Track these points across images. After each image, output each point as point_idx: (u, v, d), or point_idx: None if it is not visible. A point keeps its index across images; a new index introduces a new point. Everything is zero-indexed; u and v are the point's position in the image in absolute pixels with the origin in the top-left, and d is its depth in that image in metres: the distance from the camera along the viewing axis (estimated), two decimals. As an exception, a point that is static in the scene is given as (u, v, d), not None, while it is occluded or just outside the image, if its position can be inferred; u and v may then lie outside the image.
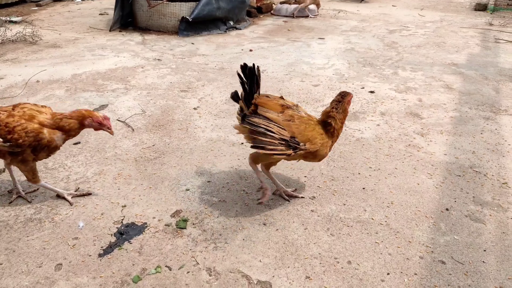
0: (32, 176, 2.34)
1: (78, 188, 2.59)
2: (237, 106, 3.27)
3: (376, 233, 2.24)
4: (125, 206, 2.43)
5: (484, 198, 2.55)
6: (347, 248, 2.13)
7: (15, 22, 7.26)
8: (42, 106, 2.34)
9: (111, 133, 2.32)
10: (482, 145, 3.19)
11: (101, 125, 2.30)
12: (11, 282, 1.90)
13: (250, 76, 2.35)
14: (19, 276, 1.93)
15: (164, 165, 2.85)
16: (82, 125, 2.29)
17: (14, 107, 2.26)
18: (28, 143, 2.16)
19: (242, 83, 2.37)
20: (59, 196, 2.48)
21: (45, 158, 2.33)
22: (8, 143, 2.14)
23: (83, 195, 2.51)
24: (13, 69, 4.82)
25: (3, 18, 7.20)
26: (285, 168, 2.85)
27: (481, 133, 3.38)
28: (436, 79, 4.67)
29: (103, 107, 3.82)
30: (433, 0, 11.01)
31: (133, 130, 3.38)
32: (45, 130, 2.20)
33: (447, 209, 2.43)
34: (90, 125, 2.30)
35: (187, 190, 2.58)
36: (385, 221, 2.33)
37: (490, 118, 3.67)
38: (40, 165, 2.84)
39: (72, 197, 2.48)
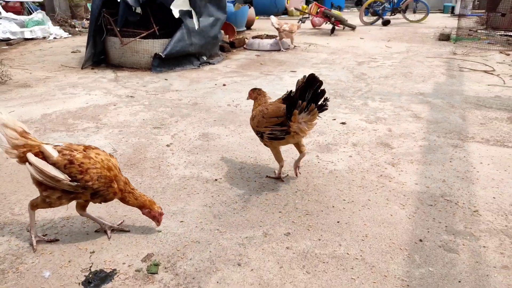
0: (41, 206, 2.35)
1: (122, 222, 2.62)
2: (211, 142, 3.23)
3: (352, 268, 2.22)
4: (93, 252, 2.34)
5: (457, 227, 2.58)
6: (323, 286, 2.09)
7: (-16, 62, 7.14)
8: (110, 155, 2.41)
9: (158, 225, 2.47)
10: (452, 173, 3.26)
11: (154, 218, 2.42)
12: None
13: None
14: (-23, 335, 1.81)
15: (134, 208, 2.77)
16: (139, 208, 2.44)
17: (86, 148, 2.30)
18: (96, 187, 2.21)
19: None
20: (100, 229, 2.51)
21: (97, 203, 2.39)
22: (76, 183, 2.16)
23: (122, 230, 2.54)
24: (-20, 110, 4.69)
25: (-29, 58, 7.07)
26: (259, 204, 2.82)
27: (450, 161, 3.46)
28: (404, 108, 4.81)
29: (73, 147, 3.73)
30: (399, 32, 11.52)
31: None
32: (115, 185, 2.30)
33: (420, 240, 2.44)
34: (145, 213, 2.43)
35: (159, 232, 2.52)
36: (360, 255, 2.31)
37: (458, 145, 3.78)
38: (6, 210, 2.73)
39: (111, 231, 2.51)
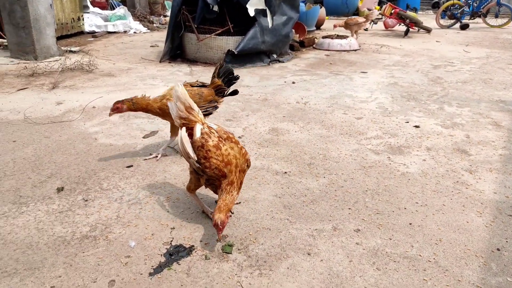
0: (192, 188, 2.61)
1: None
2: (280, 137, 3.30)
3: (424, 270, 2.19)
4: (173, 228, 2.52)
5: (539, 240, 2.44)
6: (394, 283, 2.09)
7: (74, 52, 7.82)
8: (244, 154, 2.49)
9: (218, 238, 2.37)
10: (536, 185, 3.08)
11: (213, 225, 2.39)
12: (68, 295, 2.01)
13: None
14: (75, 289, 2.04)
15: (210, 191, 2.93)
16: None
17: (227, 138, 2.48)
18: (209, 175, 2.38)
19: None
20: (203, 212, 2.68)
21: (208, 188, 2.56)
22: (198, 165, 2.39)
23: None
24: (71, 95, 5.17)
25: (64, 48, 7.78)
26: (328, 199, 2.87)
27: (534, 173, 3.27)
28: (483, 115, 4.58)
29: (153, 133, 4.01)
30: (478, 36, 10.89)
31: (181, 156, 3.52)
32: (222, 180, 2.38)
33: (498, 249, 2.35)
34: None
35: (233, 216, 2.65)
36: (433, 258, 2.28)
37: (543, 157, 3.54)
38: (95, 185, 3.01)
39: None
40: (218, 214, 2.23)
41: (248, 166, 2.51)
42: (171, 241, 2.40)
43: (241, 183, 2.44)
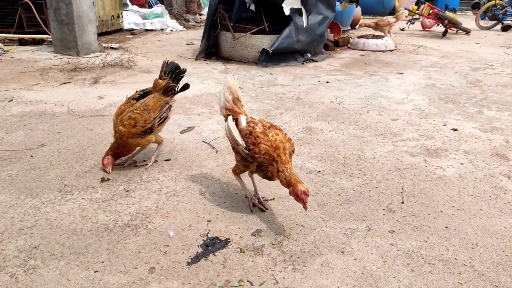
0: (237, 172, 2.74)
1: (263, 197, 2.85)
2: (314, 136, 3.31)
3: (460, 273, 2.17)
4: (210, 221, 2.60)
5: None
6: (429, 285, 2.09)
7: (114, 48, 8.09)
8: (289, 139, 2.64)
9: (305, 208, 2.41)
10: None
11: (298, 198, 2.42)
12: (111, 279, 2.12)
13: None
14: (117, 274, 2.15)
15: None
16: (287, 186, 2.51)
17: (270, 126, 2.62)
18: (260, 161, 2.49)
19: None
20: (246, 197, 2.80)
21: (261, 176, 2.65)
22: (247, 152, 2.51)
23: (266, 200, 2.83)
24: (112, 90, 5.37)
25: (104, 45, 8.06)
26: (362, 199, 2.87)
27: None
28: (526, 120, 4.44)
29: (190, 128, 4.12)
30: (522, 38, 10.48)
31: (216, 151, 3.61)
32: (275, 164, 2.49)
33: (539, 257, 2.30)
34: (290, 192, 2.51)
35: (268, 212, 2.70)
36: (469, 262, 2.25)
37: None
38: (136, 177, 3.14)
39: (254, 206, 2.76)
40: (299, 185, 2.35)
41: (293, 151, 2.62)
42: (208, 233, 2.48)
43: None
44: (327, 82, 6.00)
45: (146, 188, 2.99)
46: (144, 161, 3.41)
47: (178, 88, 3.43)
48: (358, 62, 7.52)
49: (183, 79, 3.45)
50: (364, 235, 2.50)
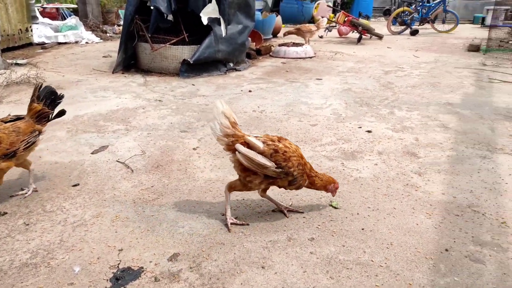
0: (232, 189, 2.66)
1: (292, 203, 2.88)
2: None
3: (376, 275, 2.20)
4: (121, 249, 2.41)
5: (484, 238, 2.53)
6: (347, 291, 2.09)
7: (20, 65, 7.47)
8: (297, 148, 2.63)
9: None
10: (480, 184, 3.20)
11: (335, 191, 2.71)
12: (3, 329, 1.86)
13: None
14: (11, 323, 1.89)
15: (162, 207, 2.85)
16: (323, 188, 2.69)
17: (279, 139, 2.56)
18: (296, 173, 2.49)
19: None
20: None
21: (291, 189, 2.66)
22: (280, 169, 2.43)
23: (297, 211, 2.80)
24: (16, 111, 4.89)
25: (9, 61, 7.41)
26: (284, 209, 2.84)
27: (478, 172, 3.40)
28: (432, 118, 4.75)
29: (103, 148, 3.86)
30: (427, 42, 11.38)
31: (132, 171, 3.40)
32: (307, 170, 2.61)
33: (446, 250, 2.41)
34: (329, 189, 2.69)
35: (185, 232, 2.57)
36: (385, 263, 2.30)
37: (486, 157, 3.70)
38: (38, 207, 2.84)
39: (287, 211, 2.78)
40: (335, 180, 2.67)
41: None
42: (119, 264, 2.29)
43: None
44: (250, 91, 6.00)
45: (50, 219, 2.71)
46: (22, 189, 3.08)
47: (52, 115, 3.13)
48: (279, 69, 7.65)
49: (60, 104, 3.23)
50: (285, 246, 2.46)
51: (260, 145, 2.45)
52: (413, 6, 13.37)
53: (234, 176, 3.33)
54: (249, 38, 8.25)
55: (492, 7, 12.71)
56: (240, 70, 7.45)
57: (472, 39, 11.05)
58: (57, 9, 13.05)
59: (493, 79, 6.72)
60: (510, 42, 10.39)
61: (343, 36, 12.32)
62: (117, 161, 3.58)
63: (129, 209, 2.83)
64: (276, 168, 2.43)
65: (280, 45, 9.32)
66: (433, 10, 13.26)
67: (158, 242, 2.47)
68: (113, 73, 7.05)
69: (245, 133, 2.58)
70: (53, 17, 12.22)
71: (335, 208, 2.83)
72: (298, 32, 9.42)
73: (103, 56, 8.67)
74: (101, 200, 2.95)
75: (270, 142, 2.48)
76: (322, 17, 10.76)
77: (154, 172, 3.38)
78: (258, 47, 9.13)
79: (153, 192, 3.05)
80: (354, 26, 11.21)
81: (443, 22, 13.70)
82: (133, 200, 2.95)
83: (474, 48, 9.68)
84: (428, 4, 13.31)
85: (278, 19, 12.05)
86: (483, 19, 15.79)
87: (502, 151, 3.83)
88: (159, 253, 2.37)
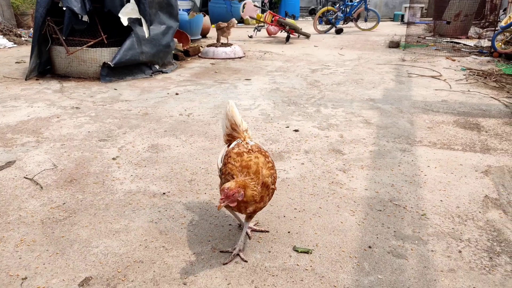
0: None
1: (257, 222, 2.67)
2: (160, 154, 3.08)
3: (301, 280, 2.16)
4: (25, 278, 2.15)
5: (405, 232, 2.59)
6: (272, 300, 2.02)
7: None
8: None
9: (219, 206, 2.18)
10: (400, 178, 3.30)
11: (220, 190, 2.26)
12: None
13: None
14: None
15: (74, 226, 2.60)
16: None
17: (257, 151, 2.34)
18: (222, 180, 2.33)
19: None
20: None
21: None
22: (220, 172, 2.38)
23: (262, 231, 2.59)
24: None
25: None
26: (208, 217, 2.72)
27: (399, 166, 3.52)
28: (355, 114, 4.88)
29: (9, 164, 3.48)
30: (351, 39, 11.83)
31: (41, 187, 3.08)
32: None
33: (370, 247, 2.43)
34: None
35: (99, 252, 2.35)
36: (310, 266, 2.26)
37: (406, 150, 3.85)
38: None
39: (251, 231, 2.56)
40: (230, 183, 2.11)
41: (273, 183, 2.28)
42: (20, 295, 2.03)
43: (262, 198, 2.21)
44: (177, 94, 5.79)
45: None
46: None
47: None
48: (208, 71, 7.50)
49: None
50: (209, 257, 2.34)
51: (231, 145, 2.46)
52: (337, 6, 13.85)
53: (157, 186, 3.15)
54: (175, 39, 8.01)
55: (409, 4, 13.57)
56: (167, 72, 7.20)
57: (392, 36, 11.66)
58: (-39, 10, 11.80)
59: (411, 73, 7.11)
60: (427, 38, 11.12)
61: (272, 35, 12.44)
62: (25, 177, 3.24)
63: (37, 231, 2.55)
64: (219, 168, 2.44)
65: (208, 45, 9.16)
66: (356, 9, 13.84)
67: (68, 266, 2.23)
68: (26, 80, 6.47)
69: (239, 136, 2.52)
70: (-44, 19, 11.01)
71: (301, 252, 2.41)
72: (217, 27, 9.26)
73: (16, 62, 7.96)
74: (5, 223, 2.63)
75: (235, 146, 2.39)
76: (250, 17, 10.76)
77: (67, 187, 3.10)
78: (185, 48, 8.90)
79: (64, 210, 2.78)
80: (282, 25, 11.35)
81: (366, 21, 14.34)
82: (41, 221, 2.66)
83: (394, 45, 10.21)
84: (350, 3, 13.85)
85: (206, 19, 11.87)
86: (402, 16, 16.79)
87: (420, 143, 4.01)
88: (68, 279, 2.14)
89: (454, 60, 8.30)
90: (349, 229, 2.61)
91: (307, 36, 11.85)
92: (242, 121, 2.54)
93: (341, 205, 2.89)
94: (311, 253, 2.38)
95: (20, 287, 2.08)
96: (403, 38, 10.72)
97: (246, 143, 2.43)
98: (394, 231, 2.59)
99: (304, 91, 5.98)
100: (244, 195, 2.07)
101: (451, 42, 10.36)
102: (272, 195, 2.33)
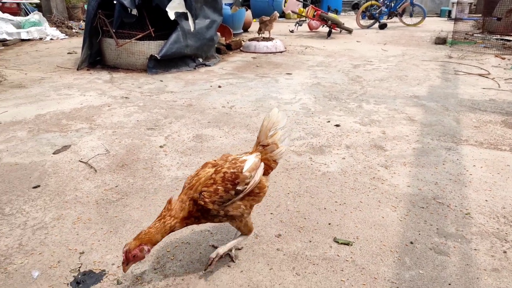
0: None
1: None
2: (204, 144, 3.18)
3: (342, 270, 2.21)
4: (83, 252, 2.33)
5: (448, 230, 2.57)
6: (313, 287, 2.08)
7: (-21, 62, 7.13)
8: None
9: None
10: (445, 176, 3.26)
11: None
12: None
13: None
14: (-38, 336, 1.79)
15: (126, 207, 2.77)
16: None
17: (213, 165, 2.13)
18: None
19: None
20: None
21: None
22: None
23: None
24: (-27, 111, 4.67)
25: (-34, 59, 7.06)
26: (251, 206, 2.82)
27: (443, 164, 3.47)
28: (398, 111, 4.82)
29: (65, 148, 3.72)
30: (395, 35, 11.56)
31: (95, 171, 3.29)
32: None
33: (411, 242, 2.44)
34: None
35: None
36: (351, 257, 2.31)
37: (451, 148, 3.78)
38: (-6, 211, 2.71)
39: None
40: (130, 242, 1.90)
41: (205, 203, 1.98)
42: (80, 267, 2.20)
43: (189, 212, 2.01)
44: (219, 87, 5.93)
45: (8, 223, 2.59)
46: None
47: None
48: (250, 64, 7.60)
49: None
50: (251, 243, 2.43)
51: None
52: (381, 0, 13.56)
53: (201, 173, 3.28)
54: (218, 33, 8.16)
55: (457, 0, 13.06)
56: (210, 66, 7.37)
57: (439, 32, 11.30)
58: (18, 4, 12.53)
59: (458, 71, 6.90)
60: (475, 35, 10.70)
61: (313, 30, 12.38)
62: (80, 161, 3.46)
63: (92, 211, 2.74)
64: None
65: (250, 39, 9.26)
66: (401, 4, 13.49)
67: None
68: (78, 70, 6.83)
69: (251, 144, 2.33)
70: (14, 13, 11.70)
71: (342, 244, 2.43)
72: (260, 21, 9.32)
73: (68, 53, 8.39)
74: (63, 201, 2.85)
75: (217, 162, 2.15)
76: (292, 11, 10.74)
77: (119, 171, 3.29)
78: (228, 42, 9.04)
79: (117, 192, 2.97)
80: (324, 20, 11.27)
81: (411, 16, 13.95)
82: (96, 201, 2.85)
83: (440, 41, 9.91)
84: (395, -2, 13.53)
85: (248, 13, 11.98)
86: (450, 12, 16.19)
87: (466, 142, 3.92)
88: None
89: (504, 58, 7.95)
90: (390, 224, 2.62)
91: (349, 31, 11.70)
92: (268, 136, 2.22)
93: (382, 201, 2.90)
94: (351, 245, 2.42)
95: (78, 260, 2.26)
96: (450, 34, 10.38)
97: (237, 156, 2.19)
98: (437, 229, 2.58)
99: (345, 86, 5.96)
100: (150, 247, 1.90)
101: (501, 39, 9.91)
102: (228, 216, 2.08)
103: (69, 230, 2.52)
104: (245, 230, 2.18)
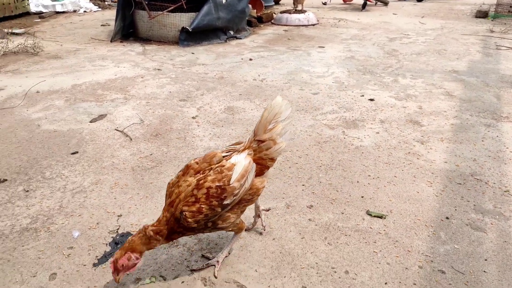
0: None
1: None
2: (236, 116, 3.17)
3: (375, 242, 2.20)
4: (120, 215, 2.41)
5: (486, 207, 2.50)
6: (345, 257, 2.09)
7: (17, 34, 7.33)
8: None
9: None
10: (483, 153, 3.15)
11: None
12: (4, 293, 1.88)
13: None
14: (12, 286, 1.91)
15: (161, 174, 2.84)
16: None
17: (197, 172, 1.90)
18: None
19: None
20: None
21: None
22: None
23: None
24: (14, 80, 4.84)
25: (6, 30, 7.26)
26: (282, 176, 2.82)
27: (482, 141, 3.35)
28: (436, 86, 4.65)
29: (101, 117, 3.81)
30: (434, 8, 11.05)
31: (131, 139, 3.37)
32: None
33: (447, 218, 2.39)
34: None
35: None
36: (384, 230, 2.29)
37: (491, 125, 3.64)
38: (37, 174, 2.83)
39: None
40: (117, 252, 1.78)
41: (184, 218, 1.77)
42: (118, 229, 2.29)
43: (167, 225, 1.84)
44: (250, 60, 5.88)
45: (49, 186, 2.71)
46: None
47: None
48: (281, 37, 7.48)
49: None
50: (283, 213, 2.45)
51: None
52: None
53: (230, 143, 3.29)
54: (249, 5, 8.02)
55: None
56: (241, 38, 7.29)
57: (480, 5, 10.71)
58: (54, -24, 12.70)
59: (500, 46, 6.55)
60: (520, 8, 10.07)
61: (347, 2, 11.98)
62: (116, 129, 3.54)
63: (128, 177, 2.82)
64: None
65: (281, 12, 9.07)
66: (441, -24, 12.82)
67: (156, 209, 2.46)
68: (111, 42, 6.92)
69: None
70: (50, -15, 11.87)
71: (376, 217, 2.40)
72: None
73: (101, 25, 8.49)
74: (100, 167, 2.94)
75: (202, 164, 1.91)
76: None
77: (153, 140, 3.35)
78: (259, 14, 8.90)
79: (151, 160, 3.03)
80: (359, -8, 10.88)
81: (451, -12, 13.26)
82: (132, 168, 2.93)
83: (482, 15, 9.40)
84: (436, -31, 12.85)
85: (281, -15, 11.70)
86: (493, -15, 15.27)
87: (507, 119, 3.76)
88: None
89: (552, 33, 7.48)
90: (425, 199, 2.57)
91: (385, 3, 11.26)
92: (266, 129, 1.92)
93: (417, 176, 2.84)
94: (385, 218, 2.39)
95: (116, 222, 2.35)
96: (492, 7, 9.81)
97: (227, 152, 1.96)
98: (474, 205, 2.51)
99: (380, 60, 5.78)
100: (138, 255, 1.78)
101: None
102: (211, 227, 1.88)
103: (107, 194, 2.61)
104: (235, 229, 1.99)
